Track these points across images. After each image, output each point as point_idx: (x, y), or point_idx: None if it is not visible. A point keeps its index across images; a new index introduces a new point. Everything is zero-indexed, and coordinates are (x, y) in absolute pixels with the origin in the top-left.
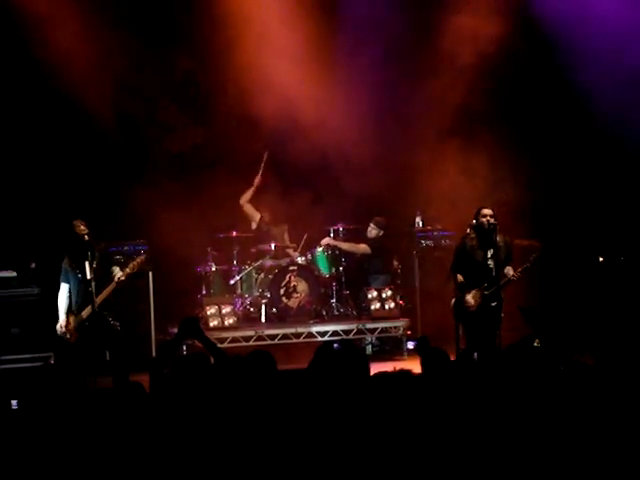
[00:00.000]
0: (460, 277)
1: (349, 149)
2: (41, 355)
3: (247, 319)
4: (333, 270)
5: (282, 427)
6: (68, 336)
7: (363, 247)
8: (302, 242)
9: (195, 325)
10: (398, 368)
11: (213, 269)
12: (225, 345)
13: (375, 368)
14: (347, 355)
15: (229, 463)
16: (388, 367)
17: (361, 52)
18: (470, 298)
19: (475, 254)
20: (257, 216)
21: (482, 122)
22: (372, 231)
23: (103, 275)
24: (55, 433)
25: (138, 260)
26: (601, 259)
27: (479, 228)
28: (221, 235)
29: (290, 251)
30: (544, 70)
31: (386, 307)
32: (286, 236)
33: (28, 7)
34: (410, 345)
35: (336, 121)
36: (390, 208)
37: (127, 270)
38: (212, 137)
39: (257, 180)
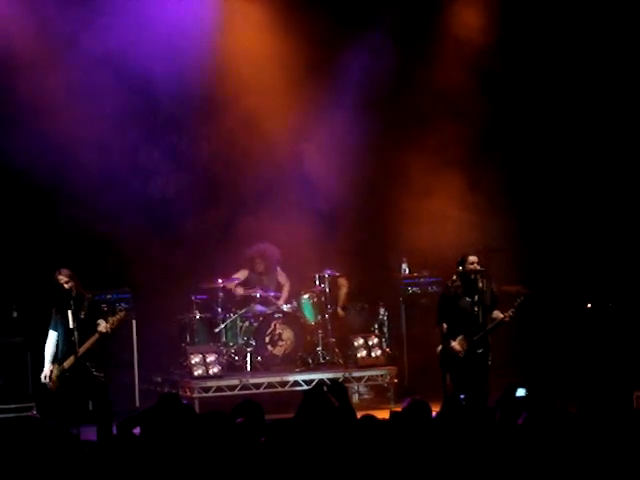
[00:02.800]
0: (445, 326)
1: (334, 195)
2: (23, 405)
3: (232, 368)
4: (319, 317)
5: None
6: (50, 385)
7: None
8: (286, 293)
9: (176, 401)
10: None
11: (197, 317)
12: (210, 394)
13: None
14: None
15: None
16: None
17: (345, 98)
18: (457, 345)
19: (461, 301)
20: (245, 272)
21: (467, 169)
22: None
23: (91, 325)
24: None
25: (118, 317)
26: (589, 305)
27: (465, 275)
28: (205, 284)
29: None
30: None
31: (372, 355)
32: (281, 279)
33: (13, 48)
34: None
35: (320, 165)
36: (375, 254)
37: (108, 325)
38: (196, 182)
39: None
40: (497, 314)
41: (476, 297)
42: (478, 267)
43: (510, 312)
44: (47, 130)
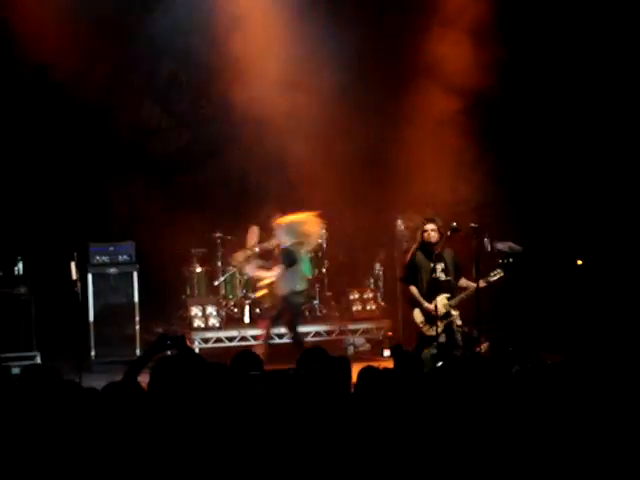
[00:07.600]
0: (415, 290)
1: (335, 148)
2: (28, 354)
3: (231, 320)
4: (316, 272)
5: (270, 427)
6: None
7: None
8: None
9: (182, 343)
10: (382, 367)
11: (197, 270)
12: (209, 345)
13: (356, 369)
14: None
15: (220, 465)
16: None
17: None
18: (440, 304)
19: (423, 268)
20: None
21: (463, 128)
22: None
23: None
24: (46, 433)
25: None
26: (579, 262)
27: (423, 243)
28: (205, 236)
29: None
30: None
31: (367, 308)
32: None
33: (15, 12)
34: (386, 353)
35: (319, 117)
36: (372, 210)
37: None
38: (196, 139)
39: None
40: (467, 283)
41: (440, 264)
42: (435, 234)
43: (483, 282)
44: None
